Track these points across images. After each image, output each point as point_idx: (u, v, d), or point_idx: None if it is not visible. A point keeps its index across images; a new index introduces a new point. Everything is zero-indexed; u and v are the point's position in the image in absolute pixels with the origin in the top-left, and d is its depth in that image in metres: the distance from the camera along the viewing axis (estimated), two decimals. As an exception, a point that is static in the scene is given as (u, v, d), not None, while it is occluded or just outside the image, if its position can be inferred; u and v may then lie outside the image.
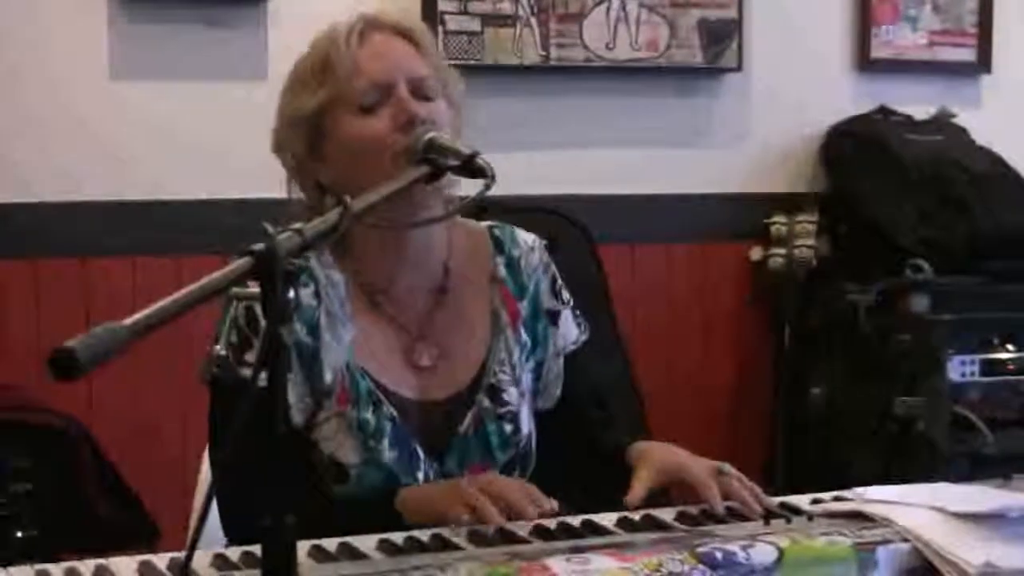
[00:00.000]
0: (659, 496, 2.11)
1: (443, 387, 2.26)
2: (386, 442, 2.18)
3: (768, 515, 2.02)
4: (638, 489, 2.08)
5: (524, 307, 2.33)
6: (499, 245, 2.35)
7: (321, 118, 2.20)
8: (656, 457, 2.17)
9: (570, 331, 2.38)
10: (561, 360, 2.36)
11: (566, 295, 2.39)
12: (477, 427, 2.25)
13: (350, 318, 2.21)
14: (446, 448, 2.23)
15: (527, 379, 2.32)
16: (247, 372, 2.10)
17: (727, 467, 2.12)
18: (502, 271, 2.33)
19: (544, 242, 2.41)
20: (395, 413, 2.20)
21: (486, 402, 2.26)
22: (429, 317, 2.28)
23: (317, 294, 2.20)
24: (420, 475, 2.19)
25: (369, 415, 2.18)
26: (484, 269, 2.34)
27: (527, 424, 2.30)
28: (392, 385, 2.22)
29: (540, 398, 2.36)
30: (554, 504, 1.98)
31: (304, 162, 2.23)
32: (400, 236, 2.22)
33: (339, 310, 2.21)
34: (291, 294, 1.44)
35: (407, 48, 2.23)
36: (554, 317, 2.36)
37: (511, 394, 2.28)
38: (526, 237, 2.38)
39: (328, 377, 2.17)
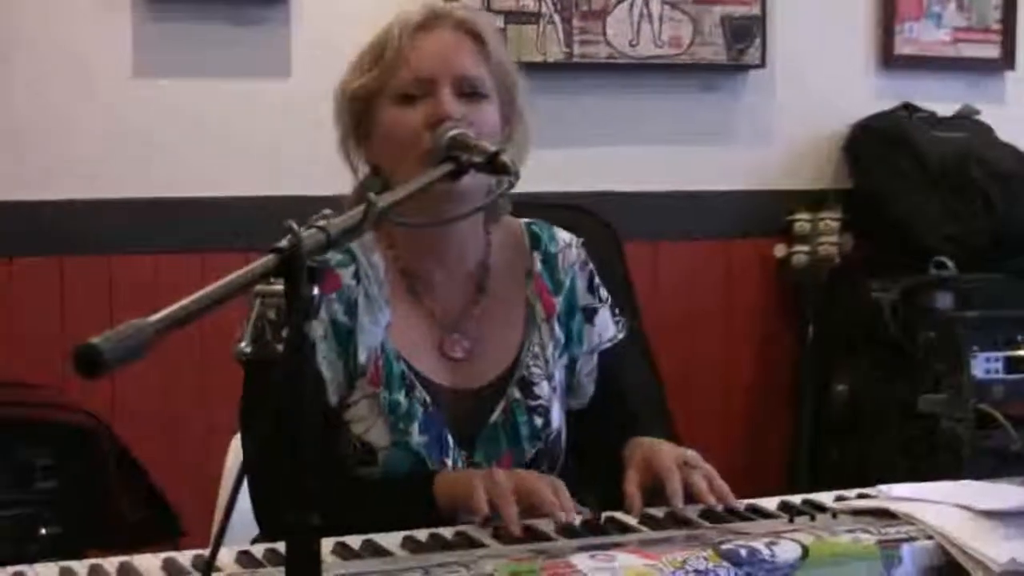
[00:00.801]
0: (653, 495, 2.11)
1: (475, 378, 2.28)
2: (416, 426, 2.19)
3: (792, 512, 2.02)
4: (632, 496, 2.07)
5: (559, 303, 2.35)
6: (536, 241, 2.37)
7: (368, 100, 2.23)
8: (637, 455, 2.17)
9: (607, 328, 2.39)
10: (595, 358, 2.37)
11: (604, 293, 2.40)
12: (507, 418, 2.26)
13: (387, 302, 2.23)
14: (476, 437, 2.25)
15: (560, 375, 2.34)
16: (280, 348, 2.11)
17: (695, 458, 2.11)
18: (538, 266, 2.35)
19: (582, 240, 2.42)
20: (427, 398, 2.21)
21: (517, 394, 2.27)
22: (465, 312, 2.30)
23: (356, 275, 2.23)
24: (448, 462, 2.21)
25: (401, 398, 2.20)
26: (521, 264, 2.35)
27: (557, 419, 2.31)
28: (425, 371, 2.24)
29: (573, 396, 2.37)
30: (573, 516, 1.98)
31: (350, 138, 2.28)
32: (433, 232, 2.23)
33: (377, 293, 2.23)
34: (315, 291, 1.44)
35: (464, 44, 2.24)
36: (590, 314, 2.37)
37: (543, 388, 2.29)
38: (564, 235, 2.40)
39: (363, 357, 2.19)
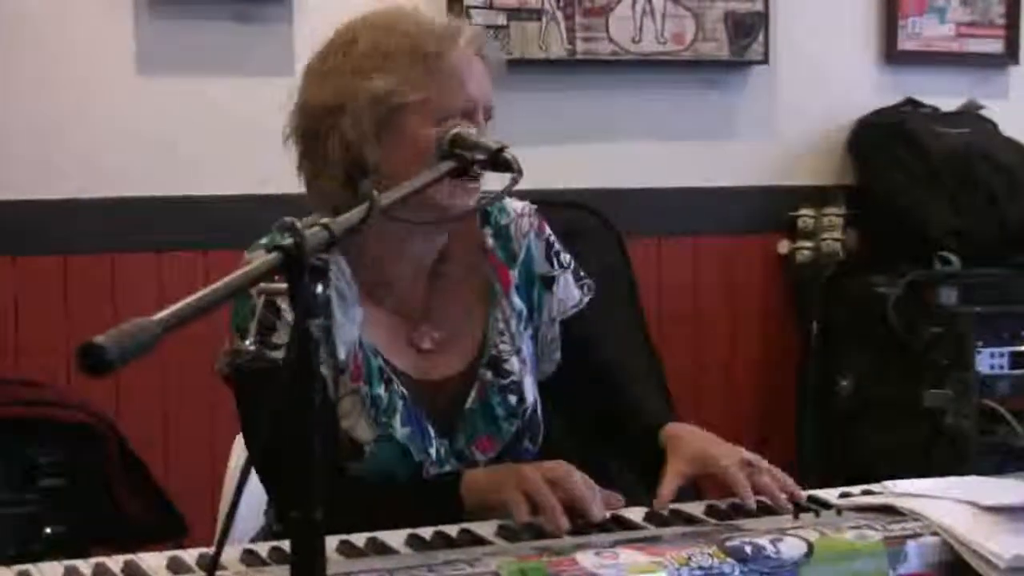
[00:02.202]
0: (688, 488, 2.11)
1: (447, 366, 2.28)
2: (398, 419, 2.20)
3: (797, 508, 2.02)
4: (667, 489, 2.07)
5: (516, 275, 2.33)
6: (486, 216, 2.35)
7: (406, 108, 2.16)
8: (686, 447, 2.16)
9: (570, 294, 2.37)
10: (557, 326, 2.36)
11: (565, 258, 2.38)
12: (482, 401, 2.27)
13: (356, 300, 2.23)
14: (454, 424, 2.26)
15: (527, 347, 2.33)
16: (276, 355, 2.10)
17: (757, 459, 2.11)
18: (490, 241, 2.33)
19: (535, 207, 2.40)
20: (404, 391, 2.22)
21: (489, 375, 2.28)
22: (427, 302, 2.29)
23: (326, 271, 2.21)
24: (432, 451, 2.22)
25: (381, 391, 2.21)
26: (473, 243, 2.34)
27: (531, 393, 2.31)
28: (400, 366, 2.25)
29: (540, 364, 2.36)
30: (620, 499, 1.99)
31: (363, 137, 2.17)
32: (400, 233, 2.21)
33: (346, 290, 2.22)
34: (319, 288, 1.44)
35: (488, 73, 2.24)
36: (548, 282, 2.36)
37: (512, 364, 2.29)
38: (515, 204, 2.37)
39: (343, 354, 2.19)
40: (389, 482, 2.19)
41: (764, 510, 2.04)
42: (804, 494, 2.08)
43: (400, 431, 2.20)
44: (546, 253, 2.36)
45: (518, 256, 2.34)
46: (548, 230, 2.38)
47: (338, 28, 2.27)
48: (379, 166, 2.16)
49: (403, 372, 2.25)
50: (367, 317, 2.23)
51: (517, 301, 2.33)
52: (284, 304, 2.07)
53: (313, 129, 2.22)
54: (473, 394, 2.27)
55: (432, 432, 2.23)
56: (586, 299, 2.38)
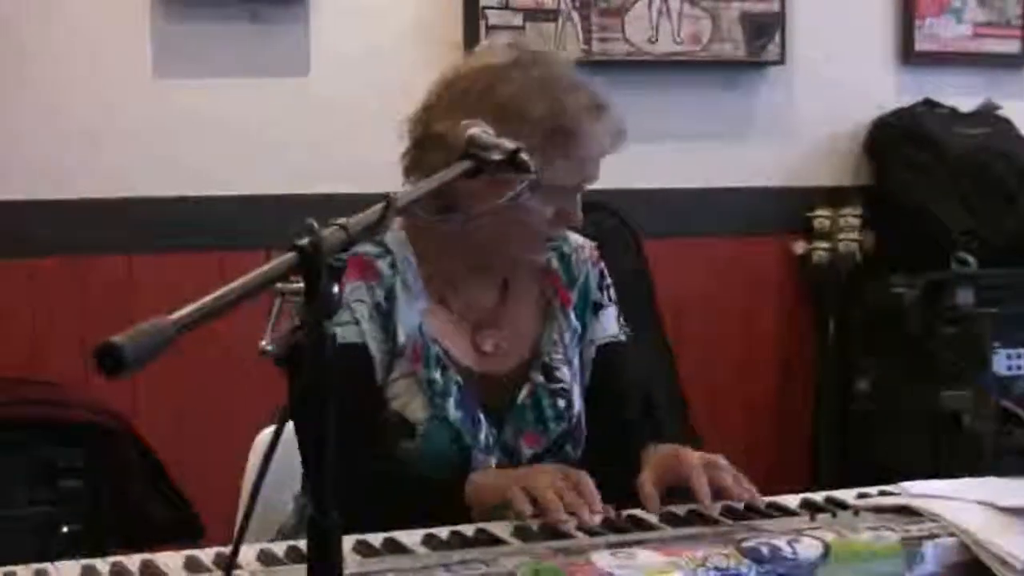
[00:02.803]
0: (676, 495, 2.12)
1: (502, 365, 2.35)
2: (452, 402, 2.25)
3: (814, 509, 2.02)
4: (648, 496, 2.09)
5: (574, 295, 2.42)
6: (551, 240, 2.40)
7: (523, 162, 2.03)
8: (657, 458, 2.19)
9: (610, 325, 2.46)
10: (593, 349, 2.43)
11: (613, 294, 2.47)
12: (532, 399, 2.33)
13: (422, 292, 2.30)
14: (504, 415, 2.31)
15: (577, 362, 2.41)
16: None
17: (722, 462, 2.12)
18: (555, 263, 2.42)
19: (595, 243, 2.49)
20: (459, 379, 2.28)
21: (540, 378, 2.35)
22: (493, 311, 2.38)
23: (393, 265, 2.29)
24: (481, 437, 2.26)
25: (437, 376, 2.26)
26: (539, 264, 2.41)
27: (579, 402, 2.38)
28: (457, 356, 2.31)
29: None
30: (596, 518, 2.00)
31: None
32: (459, 236, 2.27)
33: (412, 282, 2.30)
34: (335, 289, 1.44)
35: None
36: (597, 308, 2.45)
37: (563, 372, 2.37)
38: (577, 239, 2.47)
39: (402, 337, 2.25)
40: (435, 466, 2.22)
41: (781, 511, 2.04)
42: (764, 500, 2.08)
43: (453, 413, 2.24)
44: (599, 283, 2.46)
45: (577, 280, 2.43)
46: (602, 264, 2.47)
47: (490, 52, 2.31)
48: (472, 208, 2.14)
49: (459, 361, 2.30)
50: (433, 312, 2.30)
51: (574, 320, 2.41)
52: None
53: (425, 146, 2.25)
54: (525, 391, 2.33)
55: (483, 420, 2.28)
56: (620, 337, 2.46)
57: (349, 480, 1.47)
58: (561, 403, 2.34)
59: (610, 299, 2.46)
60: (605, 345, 2.44)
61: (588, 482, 2.04)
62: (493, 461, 2.27)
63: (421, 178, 2.22)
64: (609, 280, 2.48)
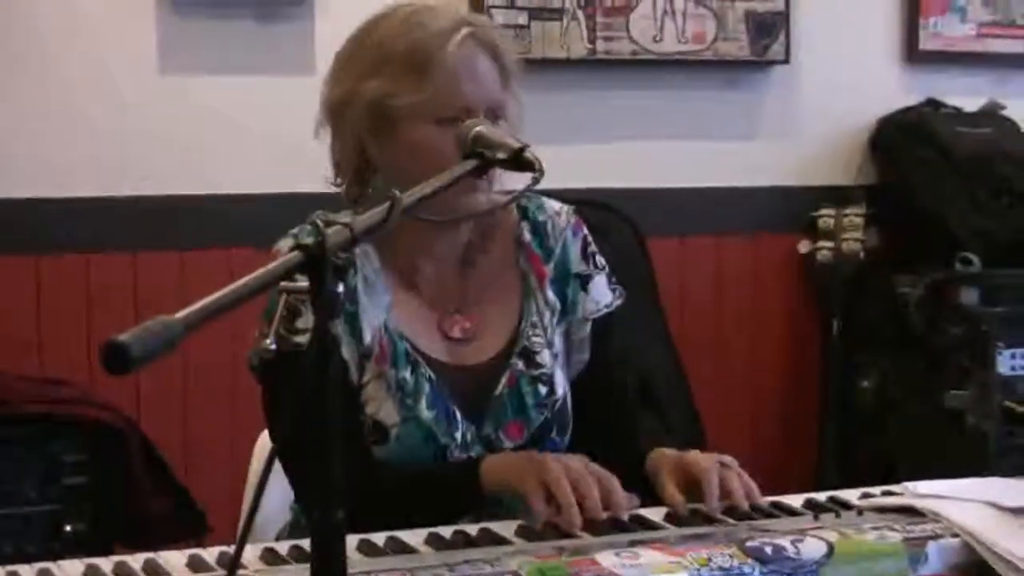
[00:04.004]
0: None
1: (477, 354, 2.30)
2: (424, 402, 2.22)
3: (817, 508, 2.02)
4: (673, 497, 2.09)
5: (551, 269, 2.35)
6: (524, 212, 2.37)
7: (399, 111, 2.20)
8: (666, 460, 2.17)
9: (603, 295, 2.38)
10: (588, 325, 2.37)
11: (600, 260, 2.39)
12: (512, 389, 2.28)
13: (386, 288, 2.26)
14: (483, 410, 2.27)
15: (559, 341, 2.35)
16: (302, 340, 2.12)
17: (731, 461, 2.12)
18: (527, 235, 2.35)
19: (573, 208, 2.41)
20: (432, 375, 2.24)
21: (520, 364, 2.29)
22: (459, 292, 2.31)
23: (352, 263, 2.22)
24: (458, 435, 2.23)
25: (407, 375, 2.22)
26: (510, 236, 2.36)
27: (562, 386, 2.32)
28: (428, 350, 2.26)
29: (570, 362, 2.37)
30: (634, 502, 2.00)
31: (362, 139, 2.24)
32: (432, 227, 2.23)
33: (374, 276, 2.26)
34: (340, 287, 1.44)
35: (495, 70, 2.24)
36: (585, 281, 2.37)
37: (544, 356, 2.30)
38: (553, 204, 2.40)
39: (368, 338, 2.22)
40: (413, 465, 2.21)
41: (785, 511, 2.04)
42: (768, 500, 2.08)
43: (426, 413, 2.21)
44: (583, 252, 2.38)
45: (554, 251, 2.36)
46: (585, 230, 2.40)
47: (361, 22, 2.31)
48: (382, 165, 2.23)
49: (430, 356, 2.26)
50: (398, 304, 2.26)
51: (551, 295, 2.34)
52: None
53: (328, 124, 2.30)
54: (503, 381, 2.28)
55: (459, 416, 2.24)
56: (617, 303, 2.39)
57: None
58: (543, 389, 2.29)
59: (597, 265, 2.38)
60: (600, 318, 2.37)
61: (607, 476, 2.02)
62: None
63: (340, 150, 2.28)
64: (594, 246, 2.38)
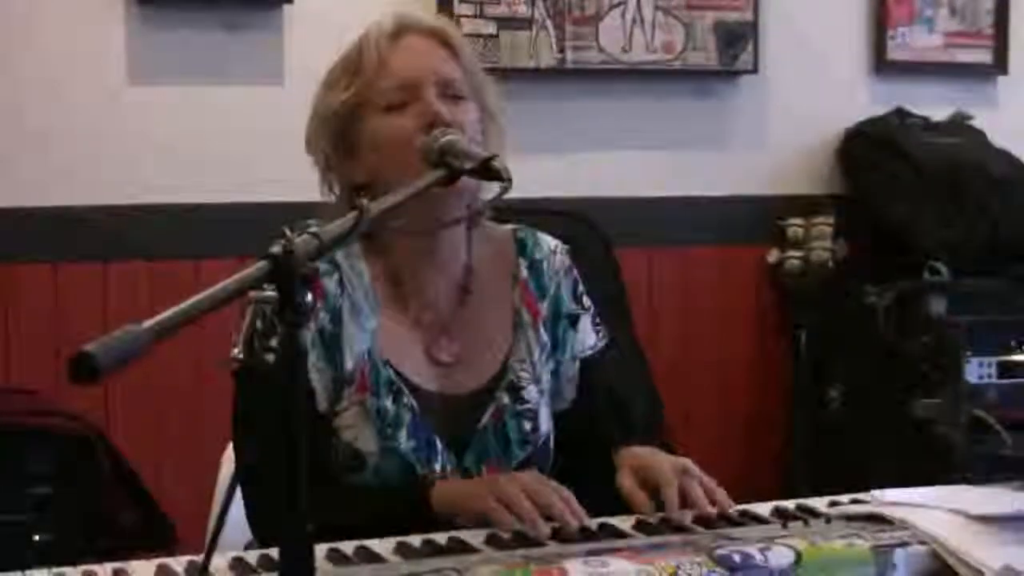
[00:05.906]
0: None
1: (464, 382, 2.28)
2: (404, 432, 2.19)
3: (785, 516, 2.02)
4: (631, 491, 2.10)
5: (545, 308, 2.35)
6: (523, 247, 2.37)
7: (349, 116, 2.23)
8: (628, 461, 2.17)
9: (587, 336, 2.39)
10: (576, 364, 2.38)
11: (587, 301, 2.40)
12: (497, 423, 2.26)
13: (373, 310, 2.23)
14: (465, 442, 2.25)
15: (547, 379, 2.34)
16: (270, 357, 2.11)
17: (693, 468, 2.12)
18: (524, 272, 2.35)
19: (567, 247, 2.42)
20: (415, 404, 2.21)
21: (506, 399, 2.27)
22: (452, 315, 2.29)
23: (340, 283, 2.23)
24: (437, 467, 2.21)
25: (388, 404, 2.19)
26: (507, 270, 2.35)
27: (546, 423, 2.31)
28: (413, 377, 2.24)
29: (555, 399, 2.37)
30: (585, 521, 1.99)
31: (334, 160, 2.26)
32: (427, 238, 2.23)
33: (362, 300, 2.23)
34: (308, 297, 1.44)
35: (439, 50, 2.26)
36: (574, 320, 2.38)
37: (530, 392, 2.29)
38: (549, 241, 2.40)
39: (349, 364, 2.19)
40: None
41: (753, 519, 2.04)
42: (735, 507, 2.08)
43: (405, 444, 2.19)
44: (573, 292, 2.39)
45: (548, 291, 2.36)
46: (575, 273, 2.41)
47: None
48: (363, 176, 2.24)
49: (416, 385, 2.23)
50: (386, 322, 2.24)
51: (543, 334, 2.34)
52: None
53: (311, 158, 2.33)
54: (488, 414, 2.26)
55: (439, 446, 2.22)
56: (600, 344, 2.41)
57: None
58: (527, 425, 2.27)
59: (584, 307, 2.39)
60: (587, 357, 2.38)
61: (561, 488, 2.03)
62: None
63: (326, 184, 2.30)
64: (583, 287, 2.40)
